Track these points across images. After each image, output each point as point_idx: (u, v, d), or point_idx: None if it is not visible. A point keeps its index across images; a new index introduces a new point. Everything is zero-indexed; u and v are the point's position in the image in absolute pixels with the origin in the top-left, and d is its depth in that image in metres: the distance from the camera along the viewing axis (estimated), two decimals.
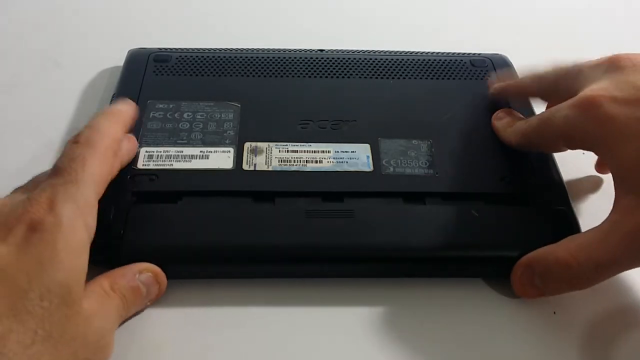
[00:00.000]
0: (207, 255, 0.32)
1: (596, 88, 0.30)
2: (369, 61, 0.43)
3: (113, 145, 0.30)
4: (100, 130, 0.30)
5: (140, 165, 0.35)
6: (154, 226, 0.32)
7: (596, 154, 0.31)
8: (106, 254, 0.31)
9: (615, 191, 0.30)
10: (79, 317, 0.25)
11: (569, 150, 0.38)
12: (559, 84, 0.34)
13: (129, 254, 0.31)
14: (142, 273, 0.30)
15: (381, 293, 0.32)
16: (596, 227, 0.30)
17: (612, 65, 0.31)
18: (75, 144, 0.29)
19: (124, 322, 0.30)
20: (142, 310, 0.31)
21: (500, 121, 0.38)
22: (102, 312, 0.27)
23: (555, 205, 0.34)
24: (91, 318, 0.26)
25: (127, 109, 0.33)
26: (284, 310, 0.32)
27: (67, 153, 0.28)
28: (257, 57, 0.42)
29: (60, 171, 0.27)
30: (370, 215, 0.33)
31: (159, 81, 0.40)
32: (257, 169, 0.35)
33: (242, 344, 0.30)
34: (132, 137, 0.35)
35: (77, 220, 0.26)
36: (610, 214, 0.30)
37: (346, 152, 0.36)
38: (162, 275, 0.30)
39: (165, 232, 0.32)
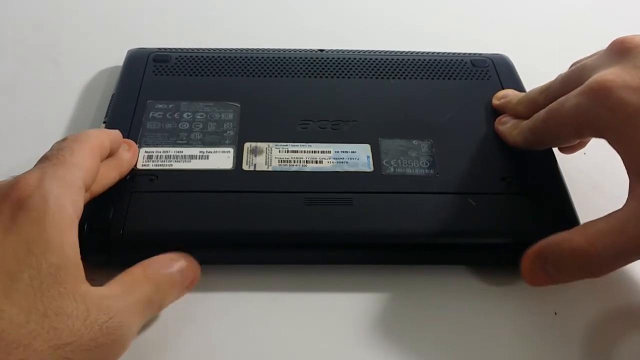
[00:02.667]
0: (208, 242, 0.32)
1: (605, 73, 0.30)
2: (369, 61, 0.42)
3: (100, 146, 0.30)
4: (88, 133, 0.30)
5: (139, 165, 0.34)
6: (152, 218, 0.32)
7: (607, 140, 0.30)
8: (106, 253, 0.31)
9: (630, 179, 0.29)
10: (76, 294, 0.24)
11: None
12: (566, 86, 0.33)
13: (128, 251, 0.31)
14: (177, 261, 0.29)
15: (380, 280, 0.33)
16: (611, 214, 0.29)
17: (617, 51, 0.31)
18: (62, 141, 0.30)
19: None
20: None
21: (505, 125, 0.37)
22: (120, 295, 0.26)
23: (556, 204, 0.34)
24: (98, 297, 0.25)
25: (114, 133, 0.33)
26: (278, 296, 0.32)
27: (54, 146, 0.29)
28: (257, 57, 0.42)
29: (48, 157, 0.28)
30: (368, 203, 0.33)
31: (158, 81, 0.40)
32: (257, 169, 0.35)
33: (237, 330, 0.31)
34: (133, 145, 0.35)
35: (65, 198, 0.26)
36: (627, 201, 0.29)
37: (346, 152, 0.36)
38: (195, 263, 0.30)
39: (164, 222, 0.32)
